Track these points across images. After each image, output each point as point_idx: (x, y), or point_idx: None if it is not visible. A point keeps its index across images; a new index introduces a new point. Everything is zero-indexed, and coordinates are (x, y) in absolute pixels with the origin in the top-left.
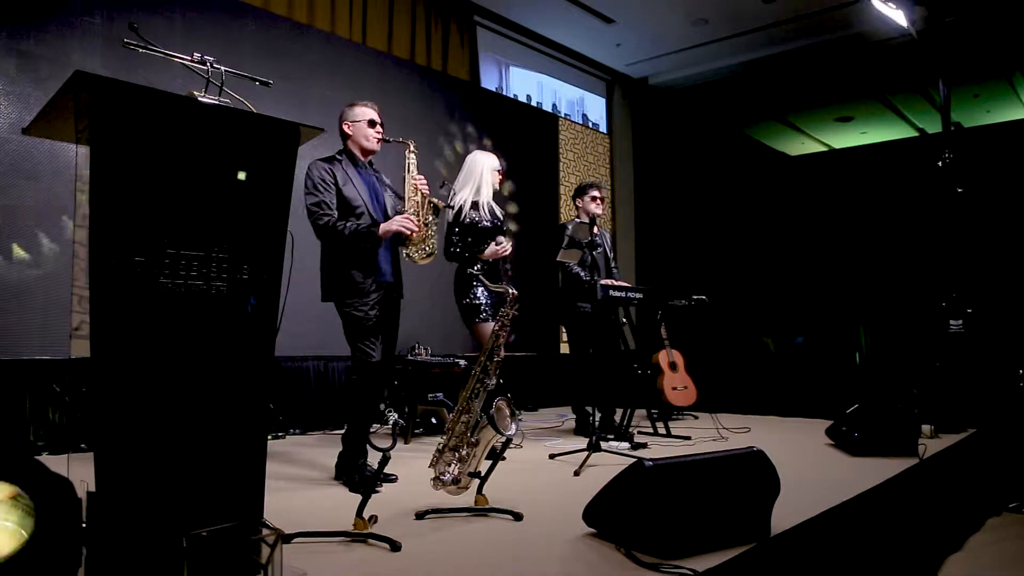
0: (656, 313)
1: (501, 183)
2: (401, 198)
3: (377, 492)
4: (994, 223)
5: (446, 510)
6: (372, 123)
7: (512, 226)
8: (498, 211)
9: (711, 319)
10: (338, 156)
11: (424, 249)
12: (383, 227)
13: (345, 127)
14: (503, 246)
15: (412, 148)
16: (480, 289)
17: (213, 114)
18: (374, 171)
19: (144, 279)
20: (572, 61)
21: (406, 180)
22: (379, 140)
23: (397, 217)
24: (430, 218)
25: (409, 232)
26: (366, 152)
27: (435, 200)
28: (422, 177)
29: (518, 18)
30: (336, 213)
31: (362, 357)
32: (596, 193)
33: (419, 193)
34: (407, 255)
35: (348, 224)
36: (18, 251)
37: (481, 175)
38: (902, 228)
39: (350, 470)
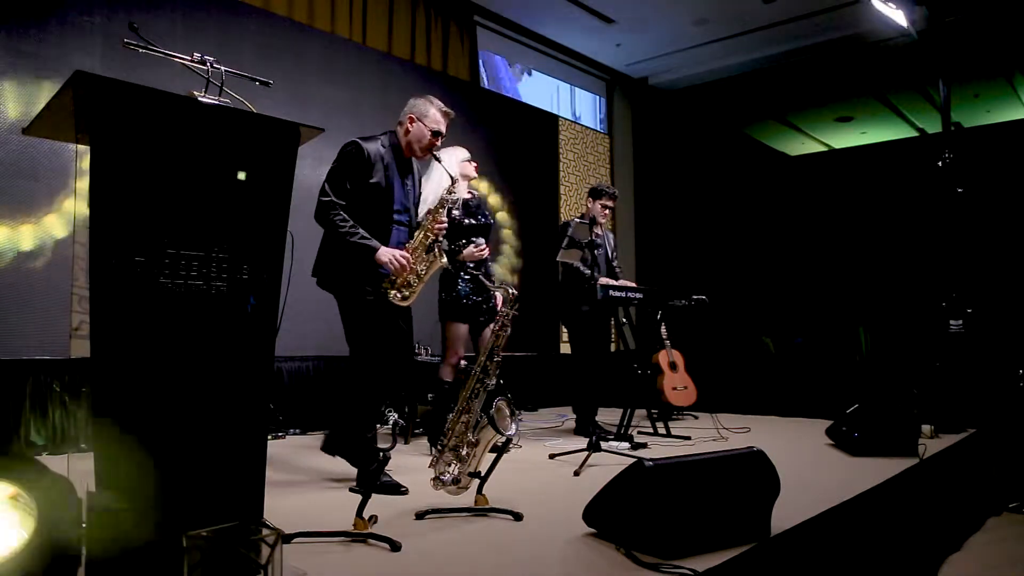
0: (656, 313)
1: (477, 170)
2: (412, 223)
3: (404, 493)
4: (994, 223)
5: (446, 510)
6: (437, 135)
7: (510, 223)
8: (485, 207)
9: (711, 319)
10: (383, 139)
11: (404, 293)
12: (382, 253)
13: (410, 120)
14: (480, 247)
15: (452, 188)
16: (463, 287)
17: (213, 114)
18: (415, 171)
19: (144, 279)
20: (572, 61)
21: (431, 213)
22: (428, 152)
23: (397, 252)
24: (423, 268)
25: (392, 270)
26: (410, 152)
27: (438, 250)
28: (445, 222)
29: (518, 18)
30: (344, 202)
31: (360, 357)
32: (610, 204)
33: (432, 236)
34: (384, 288)
35: (352, 230)
36: (18, 251)
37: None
38: (902, 228)
39: (349, 449)
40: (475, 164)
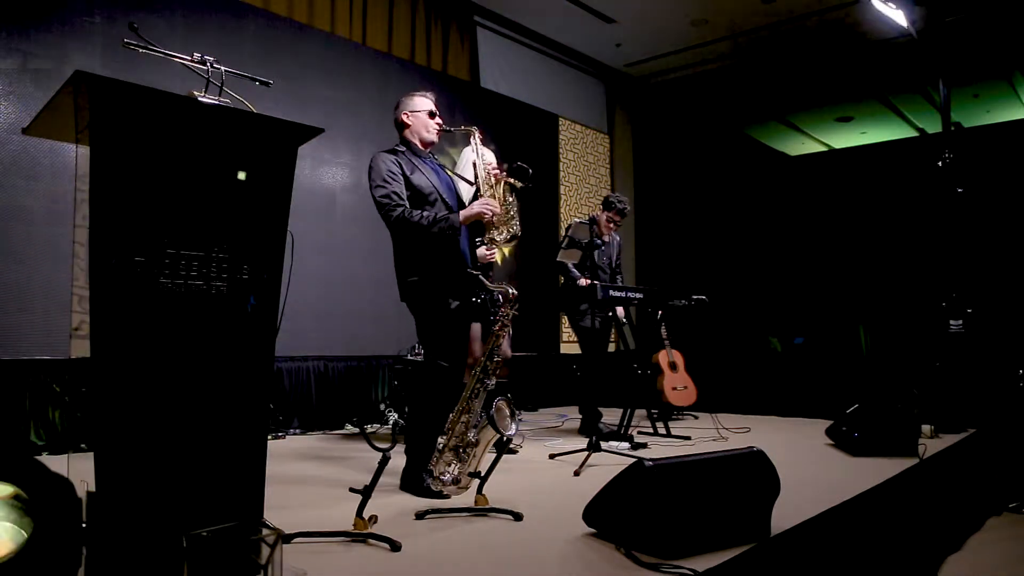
0: (656, 313)
1: (498, 178)
2: (473, 184)
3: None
4: (994, 223)
5: (446, 510)
6: (432, 114)
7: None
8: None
9: (711, 319)
10: (399, 148)
11: (508, 230)
12: (463, 213)
13: (404, 117)
14: (491, 252)
15: (478, 135)
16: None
17: (213, 114)
18: (436, 161)
19: (144, 279)
20: (572, 61)
21: (477, 166)
22: (439, 131)
23: (477, 201)
24: (510, 199)
25: (490, 214)
26: (425, 143)
27: (511, 180)
28: (493, 161)
29: (518, 18)
30: (407, 204)
31: (437, 360)
32: (616, 219)
33: (492, 176)
34: (490, 239)
35: (425, 214)
36: (18, 251)
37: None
38: (902, 228)
39: (416, 482)
40: (497, 173)
